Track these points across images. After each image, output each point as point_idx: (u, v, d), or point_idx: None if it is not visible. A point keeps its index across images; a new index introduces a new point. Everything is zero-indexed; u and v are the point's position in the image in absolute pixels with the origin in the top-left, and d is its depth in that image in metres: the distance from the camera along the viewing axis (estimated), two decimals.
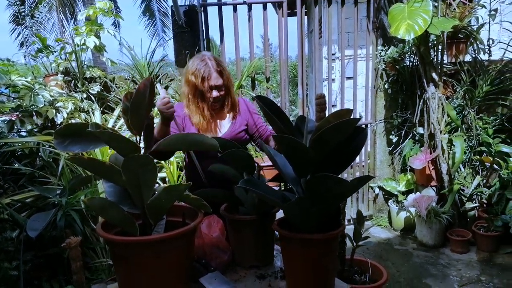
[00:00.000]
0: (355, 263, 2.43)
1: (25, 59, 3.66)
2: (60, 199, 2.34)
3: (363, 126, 4.01)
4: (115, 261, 1.15)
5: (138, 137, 1.14)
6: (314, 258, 1.18)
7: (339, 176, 1.16)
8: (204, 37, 3.67)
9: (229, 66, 3.57)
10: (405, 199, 3.75)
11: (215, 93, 1.74)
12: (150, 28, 12.06)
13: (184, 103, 1.83)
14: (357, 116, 3.98)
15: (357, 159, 4.03)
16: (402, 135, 3.89)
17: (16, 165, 2.95)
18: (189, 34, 3.61)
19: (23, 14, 8.40)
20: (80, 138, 1.08)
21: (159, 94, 1.62)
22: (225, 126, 1.87)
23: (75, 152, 1.19)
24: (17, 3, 8.43)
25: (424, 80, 3.44)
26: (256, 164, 1.47)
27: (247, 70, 3.60)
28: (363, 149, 4.02)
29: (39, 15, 8.02)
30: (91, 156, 2.95)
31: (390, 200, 4.00)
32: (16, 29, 8.86)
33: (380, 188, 4.09)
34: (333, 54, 4.92)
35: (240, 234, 1.46)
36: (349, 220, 3.99)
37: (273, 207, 1.43)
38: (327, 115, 1.17)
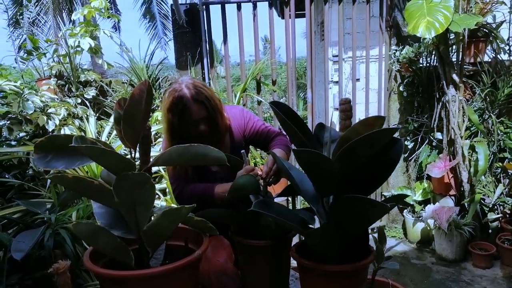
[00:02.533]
0: (376, 285, 2.21)
1: (17, 63, 3.42)
2: (49, 216, 2.13)
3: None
4: None
5: (133, 151, 0.95)
6: None
7: (370, 196, 0.95)
8: (207, 38, 3.45)
9: (232, 68, 3.35)
10: (422, 209, 3.52)
11: (202, 127, 1.43)
12: (150, 31, 11.87)
13: (163, 139, 1.56)
14: None
15: None
16: (419, 140, 3.65)
17: (6, 176, 2.74)
18: (191, 34, 3.40)
19: (20, 18, 8.23)
20: (64, 152, 0.90)
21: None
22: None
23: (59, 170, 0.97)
24: (13, 6, 8.26)
25: (444, 82, 3.20)
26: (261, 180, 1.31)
27: (252, 72, 3.38)
28: None
29: (35, 17, 7.83)
30: (86, 168, 2.72)
31: (405, 210, 3.76)
32: (13, 32, 8.68)
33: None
34: (335, 56, 4.71)
35: (252, 260, 1.27)
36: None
37: (290, 230, 1.24)
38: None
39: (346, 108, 1.13)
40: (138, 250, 0.96)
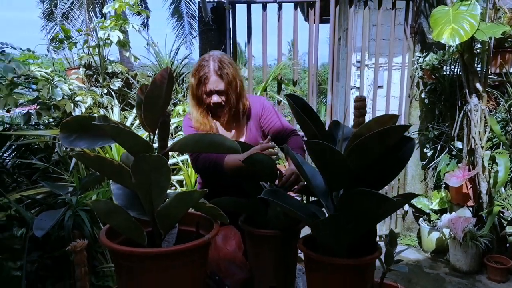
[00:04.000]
0: None
1: (49, 51, 3.56)
2: (70, 198, 2.22)
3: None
4: (118, 273, 1.01)
5: (152, 135, 0.99)
6: (344, 286, 1.01)
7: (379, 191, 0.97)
8: (231, 36, 3.50)
9: (256, 70, 3.37)
10: (438, 219, 3.47)
11: (215, 98, 1.53)
12: (178, 30, 12.09)
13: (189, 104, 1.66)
14: None
15: None
16: (438, 149, 3.60)
17: (34, 160, 2.86)
18: (216, 32, 3.46)
19: (54, 10, 8.51)
20: (87, 132, 0.95)
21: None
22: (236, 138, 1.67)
23: (82, 148, 1.03)
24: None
25: (467, 91, 3.16)
26: (278, 172, 1.30)
27: (274, 72, 3.42)
28: None
29: (68, 11, 8.08)
30: (107, 154, 2.82)
31: (421, 219, 3.72)
32: (46, 25, 8.98)
33: (410, 204, 3.81)
34: (359, 62, 4.70)
35: (260, 250, 1.29)
36: (380, 237, 3.73)
37: (299, 222, 1.26)
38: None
39: (360, 105, 1.15)
40: (152, 231, 1.00)
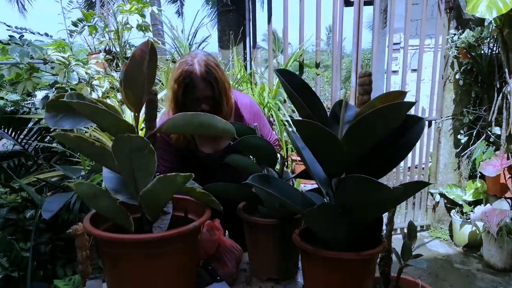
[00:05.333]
0: (402, 284, 2.04)
1: (71, 37, 3.58)
2: (79, 181, 2.21)
3: (426, 121, 3.51)
4: (103, 260, 0.98)
5: (136, 115, 0.93)
6: (341, 282, 0.93)
7: (381, 178, 0.90)
8: (251, 17, 3.37)
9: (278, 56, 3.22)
10: (472, 211, 3.21)
11: (204, 106, 1.39)
12: (213, 18, 12.03)
13: (165, 110, 1.52)
14: (420, 112, 3.47)
15: (417, 160, 3.54)
16: (474, 135, 3.32)
17: (54, 144, 2.90)
18: (234, 13, 3.34)
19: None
20: (72, 112, 0.91)
21: None
22: (220, 144, 1.55)
23: (67, 128, 0.98)
24: None
25: (506, 70, 2.86)
26: (279, 156, 1.20)
27: (294, 54, 3.26)
28: (424, 149, 3.52)
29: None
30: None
31: (453, 211, 3.46)
32: (67, 9, 9.16)
33: (442, 195, 3.55)
34: (397, 44, 4.41)
35: (258, 239, 1.22)
36: (401, 229, 3.52)
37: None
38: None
39: (364, 81, 1.01)
40: (141, 217, 0.96)
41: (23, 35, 2.84)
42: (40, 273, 2.10)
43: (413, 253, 2.00)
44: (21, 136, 3.21)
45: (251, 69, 3.32)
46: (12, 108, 3.29)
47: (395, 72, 4.20)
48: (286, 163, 1.32)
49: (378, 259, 1.99)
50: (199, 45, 3.44)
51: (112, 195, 0.95)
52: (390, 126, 0.81)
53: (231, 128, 0.91)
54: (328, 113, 0.99)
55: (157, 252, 0.89)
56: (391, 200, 0.90)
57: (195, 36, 3.47)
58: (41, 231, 2.27)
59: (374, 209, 0.89)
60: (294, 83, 0.93)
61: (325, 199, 0.99)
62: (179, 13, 12.60)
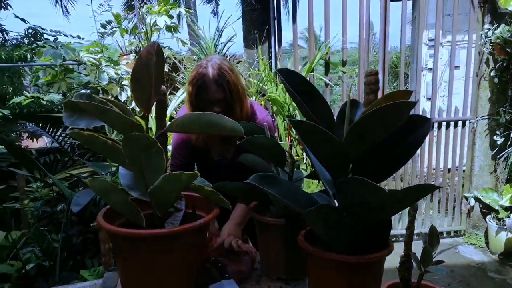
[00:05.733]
0: None
1: (103, 38, 3.73)
2: (105, 177, 2.30)
3: (460, 121, 3.35)
4: (116, 254, 1.04)
5: (145, 115, 0.95)
6: (343, 285, 0.91)
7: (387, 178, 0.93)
8: (275, 16, 3.36)
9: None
10: (508, 217, 3.02)
11: (216, 109, 1.41)
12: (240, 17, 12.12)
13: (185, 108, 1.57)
14: (452, 112, 3.32)
15: (449, 162, 3.39)
16: (511, 136, 3.12)
17: None
18: (259, 12, 3.34)
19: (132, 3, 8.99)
20: (87, 112, 0.94)
21: None
22: (229, 151, 1.56)
23: (82, 127, 1.02)
24: None
25: None
26: (288, 155, 1.19)
27: (320, 52, 3.21)
28: (457, 151, 3.36)
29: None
30: None
31: (489, 216, 3.27)
32: (126, 17, 9.55)
33: (477, 199, 3.37)
34: (432, 40, 4.25)
35: (267, 239, 1.22)
36: (420, 234, 3.37)
37: None
38: None
39: (370, 80, 0.98)
40: (152, 214, 0.98)
41: (57, 38, 3.00)
42: (70, 263, 2.21)
43: (438, 259, 1.90)
44: (58, 134, 3.39)
45: (276, 68, 3.31)
46: (49, 107, 3.49)
47: (431, 69, 4.04)
48: (295, 163, 1.30)
49: (398, 264, 1.91)
50: (225, 45, 3.49)
51: (127, 191, 0.99)
52: (391, 126, 0.79)
53: (239, 128, 0.91)
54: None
55: (165, 247, 0.91)
56: (393, 204, 0.85)
57: (220, 36, 3.51)
58: (72, 224, 2.39)
59: (377, 211, 0.86)
60: (295, 83, 0.91)
61: (331, 201, 0.97)
62: (214, 13, 12.74)
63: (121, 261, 0.98)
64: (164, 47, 3.74)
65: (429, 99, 4.06)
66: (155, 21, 3.48)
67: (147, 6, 3.70)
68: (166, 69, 3.51)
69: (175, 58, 3.68)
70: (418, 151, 3.39)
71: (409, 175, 3.48)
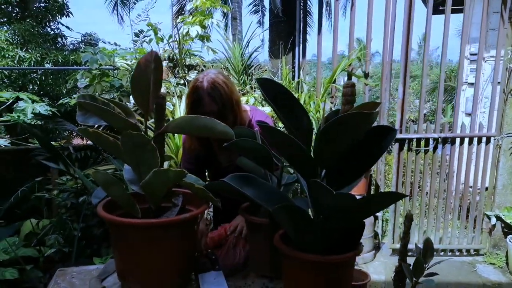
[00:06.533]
0: None
1: (136, 45, 3.98)
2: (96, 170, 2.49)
3: (484, 137, 3.28)
4: (112, 240, 1.14)
5: (147, 116, 1.07)
6: (310, 283, 0.96)
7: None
8: (301, 28, 3.47)
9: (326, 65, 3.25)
10: None
11: None
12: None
13: None
14: (477, 128, 3.25)
15: (471, 181, 3.32)
16: None
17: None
18: (285, 23, 3.46)
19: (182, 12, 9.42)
20: (98, 115, 1.06)
21: None
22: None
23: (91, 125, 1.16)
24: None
25: None
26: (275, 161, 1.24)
27: (342, 63, 3.28)
28: (480, 169, 3.28)
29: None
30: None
31: (510, 236, 3.17)
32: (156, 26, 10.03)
33: (498, 218, 3.27)
34: (474, 55, 4.16)
35: (255, 238, 1.29)
36: (451, 250, 3.31)
37: None
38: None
39: (347, 92, 1.07)
40: (149, 207, 1.09)
41: (97, 44, 3.26)
42: (88, 251, 2.40)
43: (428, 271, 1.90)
44: None
45: (298, 77, 3.41)
46: None
47: (471, 84, 3.93)
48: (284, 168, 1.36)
49: (393, 275, 1.95)
50: (250, 55, 3.63)
51: (128, 185, 1.10)
52: (352, 134, 0.85)
53: (230, 131, 1.00)
54: None
55: (155, 236, 1.01)
56: (357, 208, 0.89)
57: (247, 46, 3.66)
58: (94, 215, 2.58)
59: (346, 215, 0.90)
60: (270, 90, 0.96)
61: (307, 205, 1.03)
62: (260, 23, 12.99)
63: (115, 247, 1.09)
64: (196, 55, 3.94)
65: (468, 114, 3.96)
66: (188, 30, 3.68)
67: (181, 17, 3.92)
68: (194, 76, 3.70)
69: (204, 66, 3.87)
70: (455, 168, 3.35)
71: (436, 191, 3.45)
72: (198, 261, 1.24)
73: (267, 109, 2.69)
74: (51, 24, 7.10)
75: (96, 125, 1.56)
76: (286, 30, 3.45)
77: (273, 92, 0.95)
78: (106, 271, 1.25)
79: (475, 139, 3.28)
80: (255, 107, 1.73)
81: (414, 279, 1.86)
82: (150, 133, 1.12)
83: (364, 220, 1.02)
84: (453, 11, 3.19)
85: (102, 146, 1.12)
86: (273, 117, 2.37)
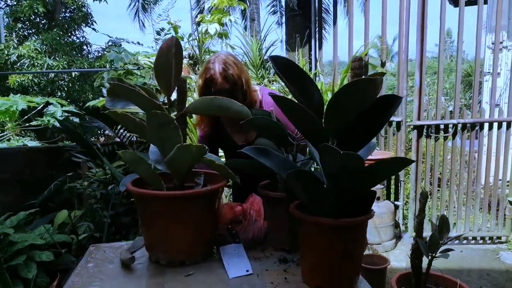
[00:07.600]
0: (442, 282, 2.00)
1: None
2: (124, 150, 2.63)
3: (504, 122, 3.24)
4: (139, 215, 1.22)
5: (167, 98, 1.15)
6: (324, 245, 1.00)
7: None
8: (316, 21, 3.52)
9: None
10: None
11: None
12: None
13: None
14: (496, 113, 3.22)
15: (492, 167, 3.28)
16: None
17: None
18: (301, 17, 3.52)
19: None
20: (125, 97, 1.15)
21: None
22: (252, 134, 1.72)
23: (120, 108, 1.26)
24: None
25: None
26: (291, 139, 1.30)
27: (358, 51, 3.31)
28: (501, 154, 3.24)
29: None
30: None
31: None
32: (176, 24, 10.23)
33: None
34: (501, 43, 4.10)
35: (272, 212, 1.34)
36: (474, 238, 3.29)
37: None
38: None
39: (355, 66, 1.15)
40: (174, 185, 1.17)
41: (120, 44, 3.41)
42: (117, 237, 2.54)
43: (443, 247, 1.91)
44: (117, 128, 3.80)
45: (315, 69, 3.46)
46: None
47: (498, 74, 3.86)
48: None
49: (410, 252, 2.00)
50: (267, 49, 3.70)
51: (153, 165, 1.18)
52: (359, 101, 0.89)
53: (246, 110, 1.07)
54: None
55: (178, 208, 1.09)
56: (367, 172, 0.95)
57: (264, 40, 3.74)
58: (122, 204, 2.72)
59: (356, 179, 0.94)
60: (282, 65, 0.99)
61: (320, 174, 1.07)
62: (279, 23, 13.12)
63: (142, 219, 1.16)
64: (214, 52, 4.04)
65: (497, 105, 3.90)
66: (207, 28, 3.79)
67: (200, 16, 4.04)
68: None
69: None
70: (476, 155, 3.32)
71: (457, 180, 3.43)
72: (219, 235, 1.31)
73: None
74: (77, 32, 7.48)
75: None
76: (302, 23, 3.51)
77: (281, 63, 0.99)
78: (135, 245, 1.33)
79: (495, 124, 3.24)
80: (265, 87, 1.80)
81: (430, 254, 1.90)
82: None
83: (374, 189, 1.08)
84: (467, 3, 3.15)
85: (129, 127, 1.21)
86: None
